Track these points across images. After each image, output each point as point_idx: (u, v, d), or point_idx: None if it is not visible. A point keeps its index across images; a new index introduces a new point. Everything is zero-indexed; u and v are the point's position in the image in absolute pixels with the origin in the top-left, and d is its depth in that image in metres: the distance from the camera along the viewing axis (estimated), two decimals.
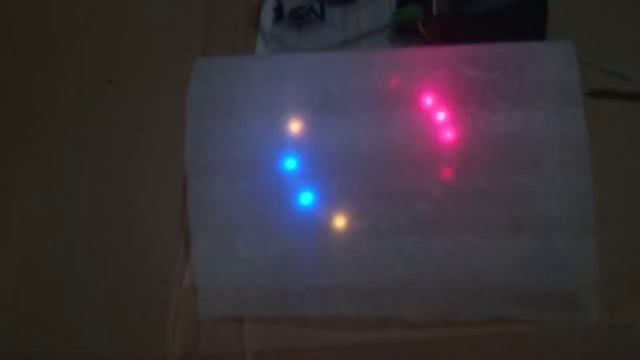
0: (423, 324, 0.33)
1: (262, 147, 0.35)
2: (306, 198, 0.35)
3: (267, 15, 0.46)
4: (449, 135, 0.34)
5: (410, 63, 0.36)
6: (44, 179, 0.41)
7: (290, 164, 0.35)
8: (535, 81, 0.34)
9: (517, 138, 0.33)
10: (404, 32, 0.42)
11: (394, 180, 0.34)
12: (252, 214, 0.35)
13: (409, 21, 0.41)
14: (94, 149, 0.42)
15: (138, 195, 0.40)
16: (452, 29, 0.40)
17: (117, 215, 0.39)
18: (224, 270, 0.35)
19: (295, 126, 0.36)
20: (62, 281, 0.38)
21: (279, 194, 0.35)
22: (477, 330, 0.33)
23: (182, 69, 0.37)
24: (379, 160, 0.34)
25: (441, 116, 0.35)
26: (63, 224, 0.39)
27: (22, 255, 0.39)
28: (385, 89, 0.36)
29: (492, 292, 0.33)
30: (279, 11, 0.45)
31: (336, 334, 0.34)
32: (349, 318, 0.34)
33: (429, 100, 0.35)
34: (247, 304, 0.35)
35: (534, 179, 0.33)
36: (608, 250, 0.32)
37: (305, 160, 0.35)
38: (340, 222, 0.34)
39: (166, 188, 0.39)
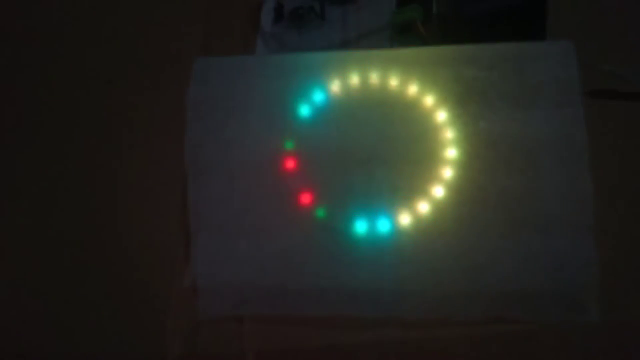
0: (423, 324, 0.33)
1: (262, 147, 0.35)
2: (306, 198, 0.35)
3: (267, 15, 0.46)
4: (449, 135, 0.34)
5: (410, 63, 0.36)
6: (44, 179, 0.41)
7: (290, 164, 0.35)
8: (535, 81, 0.34)
9: (517, 138, 0.33)
10: (404, 32, 0.42)
11: (394, 180, 0.34)
12: (252, 214, 0.35)
13: (408, 21, 0.41)
14: (94, 149, 0.42)
15: (138, 195, 0.40)
16: (452, 29, 0.40)
17: (117, 215, 0.39)
18: (224, 270, 0.35)
19: (295, 126, 0.36)
20: (61, 281, 0.38)
21: (279, 194, 0.35)
22: (477, 330, 0.33)
23: (182, 69, 0.37)
24: (379, 160, 0.34)
25: (441, 116, 0.35)
26: (62, 224, 0.39)
27: (22, 255, 0.39)
28: (385, 89, 0.36)
29: (492, 292, 0.33)
30: (279, 11, 0.45)
31: (336, 334, 0.34)
32: (349, 318, 0.34)
33: (429, 100, 0.35)
34: (247, 304, 0.35)
35: (534, 179, 0.33)
36: (608, 250, 0.32)
37: (305, 161, 0.35)
38: (340, 222, 0.34)
39: (166, 188, 0.39)
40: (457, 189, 0.34)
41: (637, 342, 0.33)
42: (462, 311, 0.33)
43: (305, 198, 0.35)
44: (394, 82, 0.36)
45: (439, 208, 0.34)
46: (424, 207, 0.34)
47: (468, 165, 0.34)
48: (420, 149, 0.34)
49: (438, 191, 0.34)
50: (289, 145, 0.35)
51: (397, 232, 0.34)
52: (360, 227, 0.34)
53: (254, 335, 0.35)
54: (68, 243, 0.39)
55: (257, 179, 0.35)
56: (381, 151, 0.34)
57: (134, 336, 0.36)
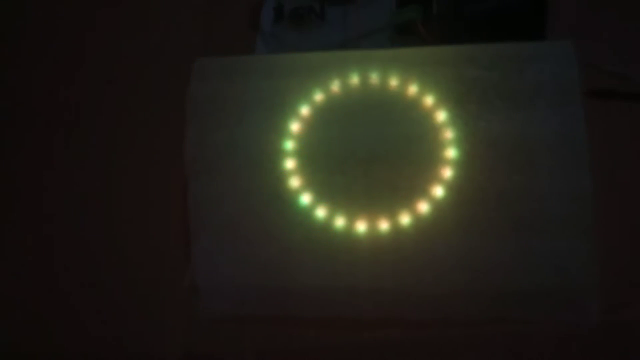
0: (423, 324, 0.33)
1: (262, 147, 0.35)
2: (306, 198, 0.35)
3: (267, 15, 0.46)
4: (449, 135, 0.34)
5: (410, 63, 0.36)
6: (43, 179, 0.41)
7: (290, 164, 0.35)
8: (535, 81, 0.34)
9: (517, 138, 0.33)
10: (404, 32, 0.42)
11: (394, 180, 0.34)
12: (252, 214, 0.35)
13: (408, 21, 0.41)
14: (94, 149, 0.42)
15: (138, 195, 0.40)
16: (452, 29, 0.40)
17: (116, 215, 0.39)
18: (224, 270, 0.35)
19: (295, 126, 0.36)
20: (61, 281, 0.38)
21: (279, 194, 0.35)
22: (477, 330, 0.33)
23: (182, 69, 0.37)
24: (379, 160, 0.34)
25: (441, 116, 0.35)
26: (62, 224, 0.39)
27: (21, 255, 0.39)
28: (385, 89, 0.36)
29: (492, 292, 0.33)
30: (279, 11, 0.45)
31: (336, 334, 0.34)
32: (349, 318, 0.34)
33: (429, 100, 0.35)
34: (247, 304, 0.35)
35: (534, 179, 0.33)
36: (608, 250, 0.32)
37: (305, 160, 0.35)
38: (340, 222, 0.34)
39: (166, 188, 0.39)
40: (457, 189, 0.34)
41: (637, 342, 0.33)
42: (462, 311, 0.33)
43: (305, 198, 0.35)
44: (394, 82, 0.36)
45: (439, 208, 0.34)
46: (424, 207, 0.34)
47: (468, 165, 0.34)
48: (420, 149, 0.34)
49: (438, 191, 0.34)
50: (289, 145, 0.35)
51: (397, 232, 0.34)
52: (360, 227, 0.34)
53: (254, 335, 0.35)
54: (66, 243, 0.39)
55: (257, 179, 0.35)
56: (381, 151, 0.34)
57: (134, 336, 0.36)
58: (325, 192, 0.35)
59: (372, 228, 0.34)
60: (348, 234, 0.34)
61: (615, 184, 0.36)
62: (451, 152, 0.34)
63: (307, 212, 0.34)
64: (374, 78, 0.36)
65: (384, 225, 0.34)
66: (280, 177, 0.35)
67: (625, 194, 0.36)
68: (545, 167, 0.33)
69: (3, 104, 0.45)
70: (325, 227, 0.34)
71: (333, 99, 0.36)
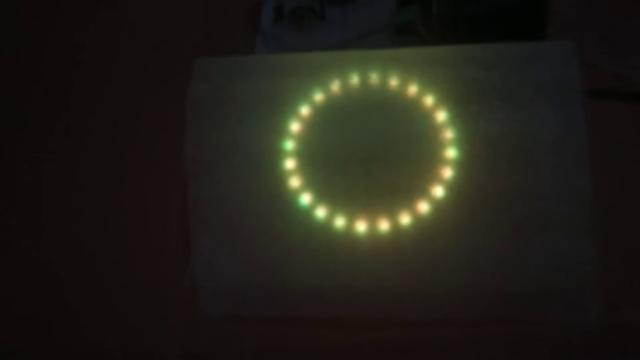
0: (423, 324, 0.33)
1: (262, 147, 0.35)
2: (306, 198, 0.35)
3: (267, 15, 0.46)
4: (449, 135, 0.34)
5: (410, 63, 0.36)
6: (43, 179, 0.41)
7: (290, 164, 0.35)
8: (535, 81, 0.34)
9: (517, 138, 0.33)
10: (404, 32, 0.42)
11: (394, 180, 0.34)
12: (252, 214, 0.35)
13: (408, 21, 0.41)
14: (94, 149, 0.42)
15: (138, 195, 0.40)
16: (452, 29, 0.40)
17: (116, 215, 0.39)
18: (224, 270, 0.35)
19: (295, 126, 0.36)
20: (62, 281, 0.38)
21: (279, 194, 0.35)
22: (477, 330, 0.33)
23: (182, 69, 0.37)
24: (379, 160, 0.34)
25: (441, 116, 0.35)
26: (62, 223, 0.39)
27: (21, 255, 0.39)
28: (385, 89, 0.36)
29: (492, 292, 0.33)
30: (279, 11, 0.45)
31: (336, 334, 0.34)
32: (349, 318, 0.34)
33: (429, 100, 0.35)
34: (247, 304, 0.35)
35: (534, 179, 0.33)
36: (608, 250, 0.32)
37: (305, 161, 0.35)
38: (340, 222, 0.34)
39: (166, 188, 0.39)
40: (457, 189, 0.34)
41: (637, 343, 0.33)
42: (462, 311, 0.33)
43: (305, 198, 0.35)
44: (394, 82, 0.36)
45: (439, 208, 0.34)
46: (424, 207, 0.34)
47: (468, 165, 0.34)
48: (420, 149, 0.34)
49: (438, 191, 0.34)
50: (289, 145, 0.35)
51: (397, 232, 0.34)
52: (360, 227, 0.34)
53: (254, 335, 0.35)
54: (66, 242, 0.39)
55: (257, 179, 0.35)
56: (381, 151, 0.34)
57: (134, 336, 0.36)
58: (325, 192, 0.35)
59: (372, 228, 0.34)
60: (348, 234, 0.34)
61: (615, 184, 0.36)
62: (451, 152, 0.34)
63: (307, 212, 0.34)
64: (374, 78, 0.36)
65: (384, 225, 0.34)
66: (280, 177, 0.35)
67: (625, 193, 0.36)
68: (545, 167, 0.33)
69: (3, 104, 0.45)
70: (325, 227, 0.34)
71: (333, 99, 0.36)
